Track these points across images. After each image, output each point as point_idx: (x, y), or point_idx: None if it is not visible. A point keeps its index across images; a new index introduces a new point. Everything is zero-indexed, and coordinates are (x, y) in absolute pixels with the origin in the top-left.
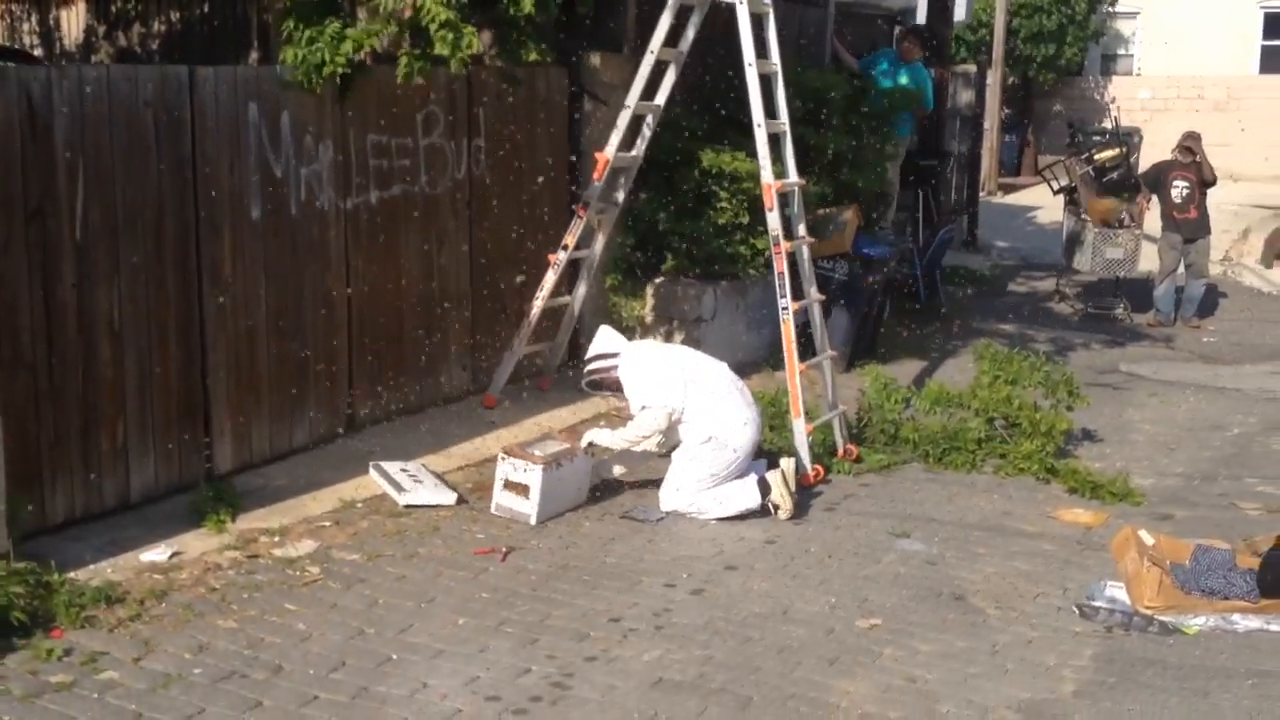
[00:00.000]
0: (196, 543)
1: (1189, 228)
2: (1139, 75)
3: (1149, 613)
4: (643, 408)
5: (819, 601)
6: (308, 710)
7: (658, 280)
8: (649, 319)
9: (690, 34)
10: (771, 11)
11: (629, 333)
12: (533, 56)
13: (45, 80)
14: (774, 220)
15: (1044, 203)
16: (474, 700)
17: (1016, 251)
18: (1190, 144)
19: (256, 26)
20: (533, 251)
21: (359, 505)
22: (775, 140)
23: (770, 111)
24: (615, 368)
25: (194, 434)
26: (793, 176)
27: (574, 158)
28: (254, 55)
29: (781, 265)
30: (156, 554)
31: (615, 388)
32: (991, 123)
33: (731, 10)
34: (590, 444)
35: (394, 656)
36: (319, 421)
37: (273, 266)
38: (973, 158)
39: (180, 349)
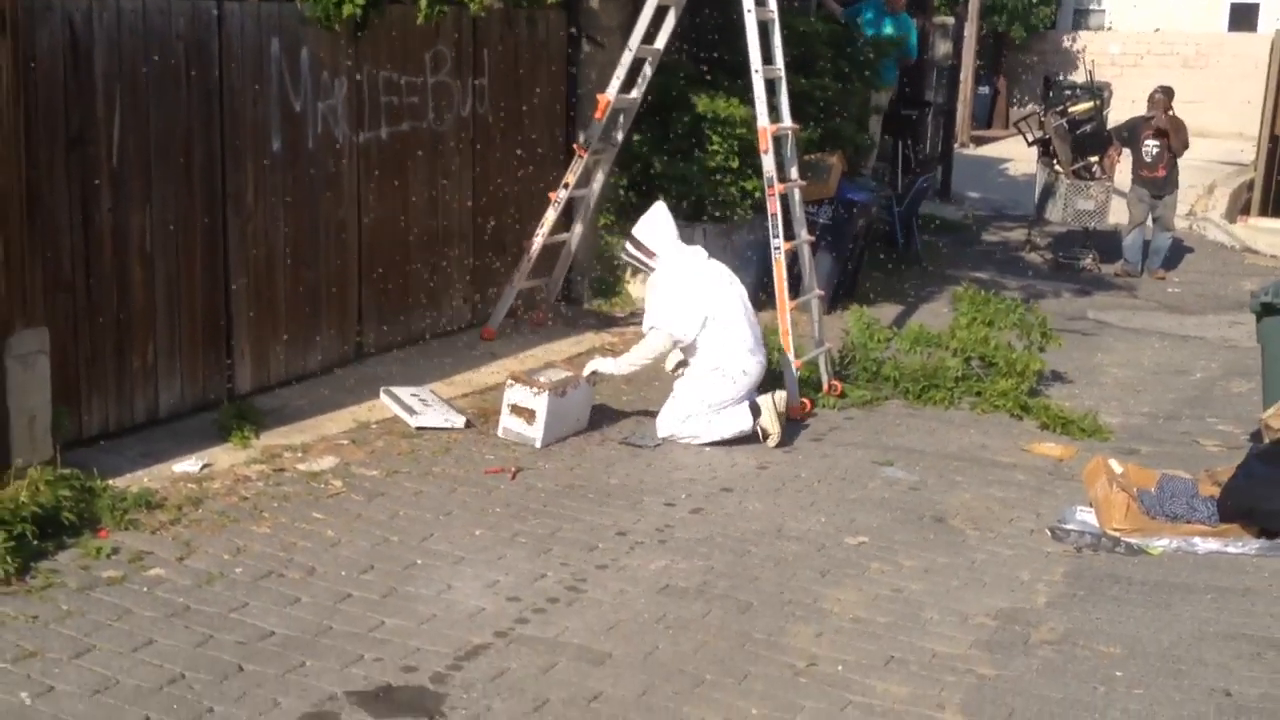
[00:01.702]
0: (225, 456)
1: (1157, 185)
2: (1110, 30)
3: (1116, 535)
4: (652, 328)
5: (810, 521)
6: (343, 606)
7: None
8: None
9: None
10: None
11: (620, 271)
12: None
13: (86, 10)
14: (768, 163)
15: (1015, 155)
16: (496, 600)
17: (988, 202)
18: (1160, 97)
19: None
20: (531, 189)
21: (373, 426)
22: (771, 85)
23: (767, 57)
24: (651, 268)
25: (217, 355)
26: (787, 121)
27: (572, 98)
28: None
29: (775, 206)
30: (188, 465)
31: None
32: (966, 75)
33: None
34: (594, 372)
35: (418, 561)
36: (331, 348)
37: (291, 197)
38: (949, 109)
39: (206, 274)
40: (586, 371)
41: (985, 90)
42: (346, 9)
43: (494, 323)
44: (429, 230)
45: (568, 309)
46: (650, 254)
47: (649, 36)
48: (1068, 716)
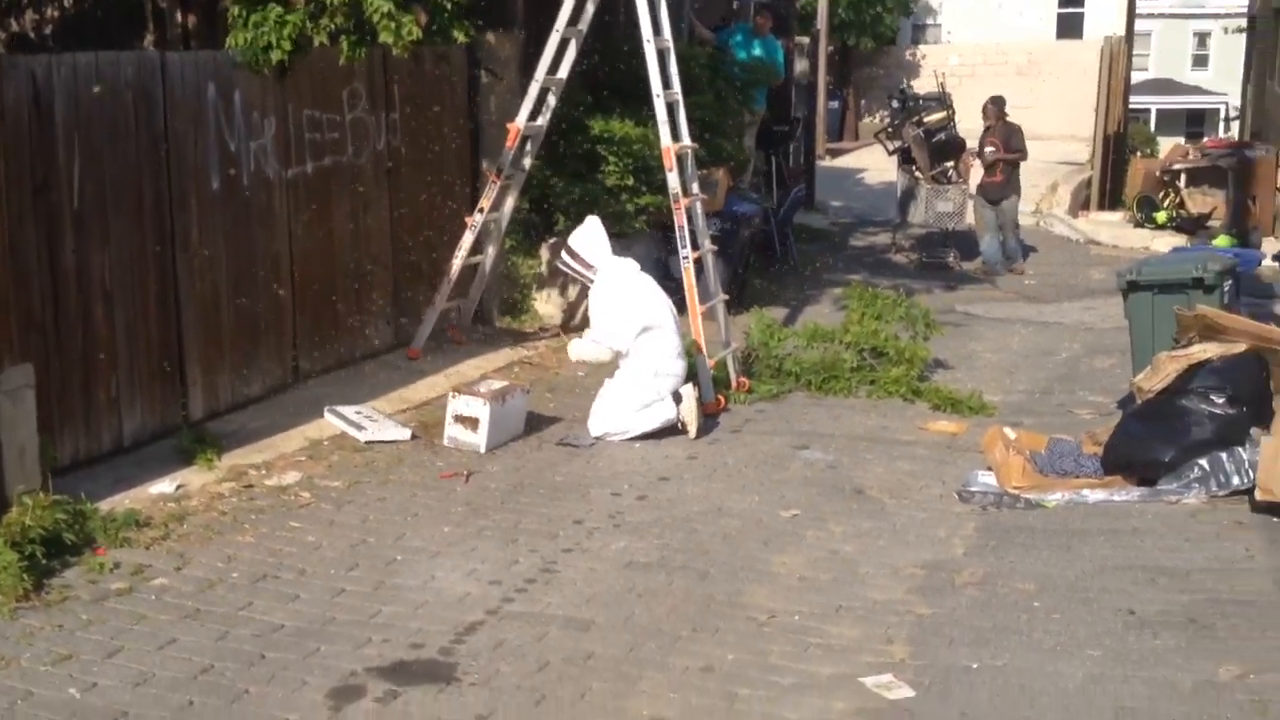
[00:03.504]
0: (195, 477)
1: (994, 190)
2: (949, 43)
3: (1016, 492)
4: (592, 334)
5: (745, 500)
6: (340, 599)
7: (551, 240)
8: (544, 275)
9: (589, 11)
10: None
11: (526, 290)
12: (462, 37)
13: (47, 65)
14: (673, 180)
15: (869, 165)
16: (479, 585)
17: (850, 210)
18: (991, 108)
19: (151, 11)
20: (442, 214)
21: (325, 443)
22: (671, 108)
23: (665, 83)
24: (590, 280)
25: (172, 385)
26: (686, 140)
27: (475, 128)
28: (149, 39)
29: (682, 219)
30: (164, 487)
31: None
32: (820, 90)
33: None
34: (521, 387)
35: (399, 558)
36: (270, 373)
37: (230, 232)
38: (809, 123)
39: (159, 308)
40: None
41: (835, 104)
42: (275, 55)
43: (418, 343)
44: (354, 258)
45: (481, 327)
46: (589, 266)
47: (552, 67)
48: (999, 640)
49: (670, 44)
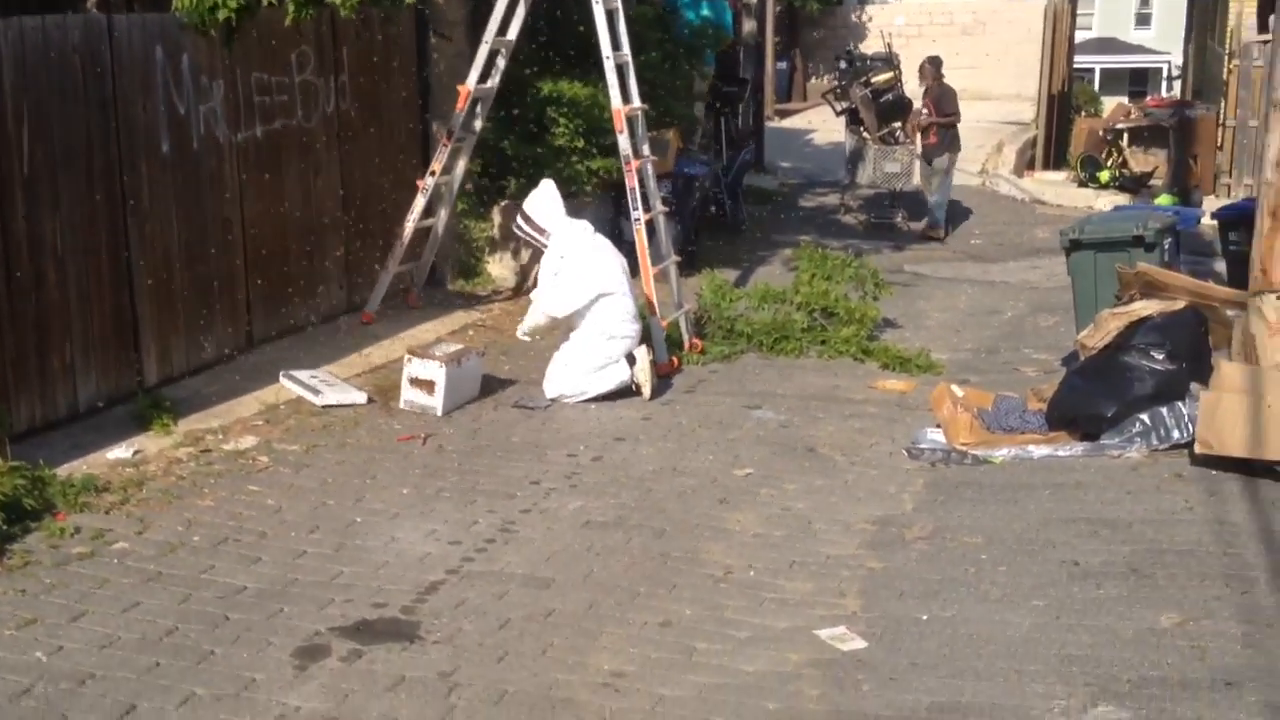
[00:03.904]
0: (151, 442)
1: (929, 150)
2: (896, 3)
3: (964, 449)
4: (541, 295)
5: (699, 459)
6: (301, 561)
7: (503, 203)
8: (497, 238)
9: None
10: None
11: (479, 253)
12: (410, 0)
13: None
14: (624, 142)
15: (818, 125)
16: (439, 545)
17: (800, 171)
18: (929, 68)
19: None
20: (393, 177)
21: (281, 407)
22: (620, 70)
23: (615, 44)
24: (544, 244)
25: (126, 350)
26: (637, 103)
27: (424, 90)
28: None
29: (633, 181)
30: (121, 452)
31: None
32: (769, 51)
33: None
34: (477, 350)
35: (358, 520)
36: (225, 338)
37: (181, 196)
38: (757, 84)
39: (111, 273)
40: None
41: (783, 65)
42: (221, 13)
43: (372, 306)
44: (305, 222)
45: (434, 291)
46: (542, 230)
47: (501, 29)
48: (948, 592)
49: (619, 4)
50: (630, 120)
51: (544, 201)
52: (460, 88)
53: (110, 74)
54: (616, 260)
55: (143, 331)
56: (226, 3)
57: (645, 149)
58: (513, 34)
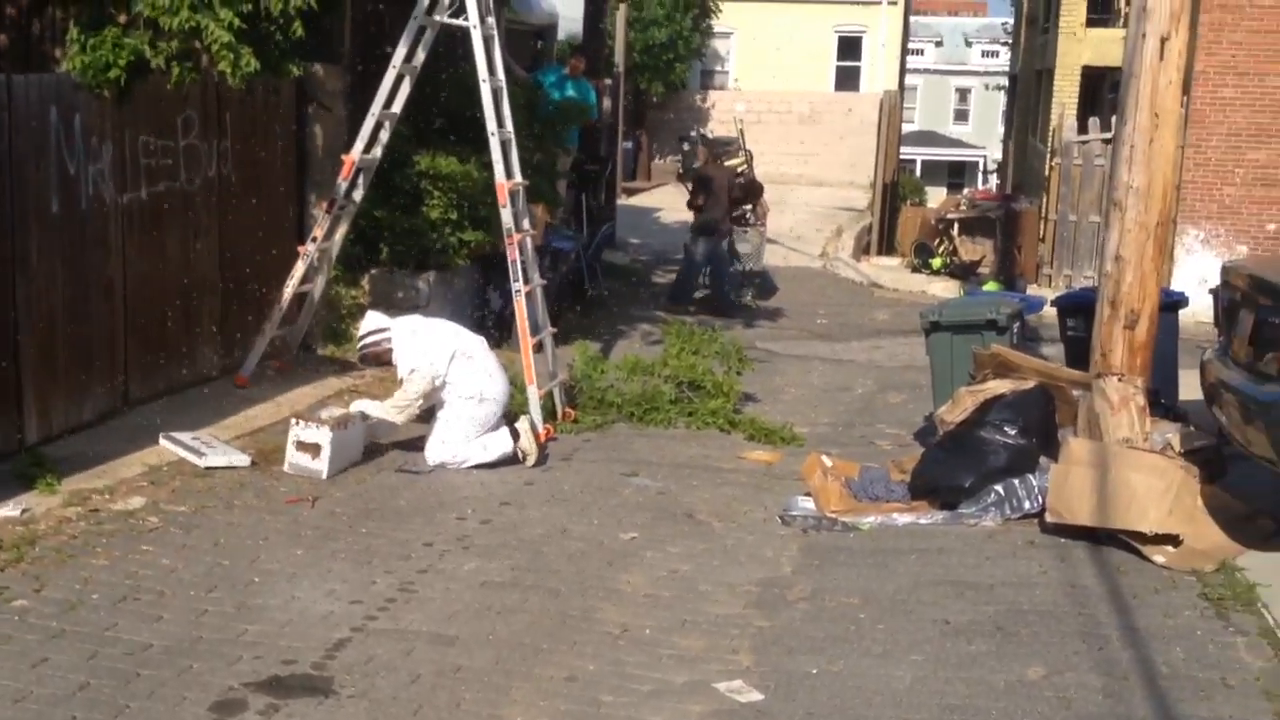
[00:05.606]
0: (38, 502)
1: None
2: (737, 89)
3: (834, 516)
4: (411, 371)
5: (585, 523)
6: (204, 619)
7: (374, 271)
8: (366, 304)
9: (422, 54)
10: (497, 34)
11: (349, 319)
12: (295, 71)
13: None
14: (506, 215)
15: (665, 204)
16: (341, 604)
17: (649, 247)
18: (703, 149)
19: None
20: (270, 242)
21: (165, 468)
22: (504, 146)
23: (499, 121)
24: (388, 340)
25: (6, 409)
26: (519, 178)
27: (303, 158)
28: None
29: (514, 254)
30: (9, 511)
31: (386, 360)
32: (619, 130)
33: (452, 31)
34: (361, 413)
35: (256, 579)
36: (103, 399)
37: (67, 257)
38: (610, 163)
39: None
40: (354, 409)
41: (629, 145)
42: (113, 72)
43: (247, 370)
44: (183, 285)
45: (305, 355)
46: (382, 331)
47: (388, 102)
48: (833, 648)
49: (504, 84)
50: (513, 195)
51: (371, 318)
52: (345, 157)
53: (6, 133)
54: (456, 326)
55: (25, 390)
56: (117, 61)
57: (526, 223)
58: (397, 107)
